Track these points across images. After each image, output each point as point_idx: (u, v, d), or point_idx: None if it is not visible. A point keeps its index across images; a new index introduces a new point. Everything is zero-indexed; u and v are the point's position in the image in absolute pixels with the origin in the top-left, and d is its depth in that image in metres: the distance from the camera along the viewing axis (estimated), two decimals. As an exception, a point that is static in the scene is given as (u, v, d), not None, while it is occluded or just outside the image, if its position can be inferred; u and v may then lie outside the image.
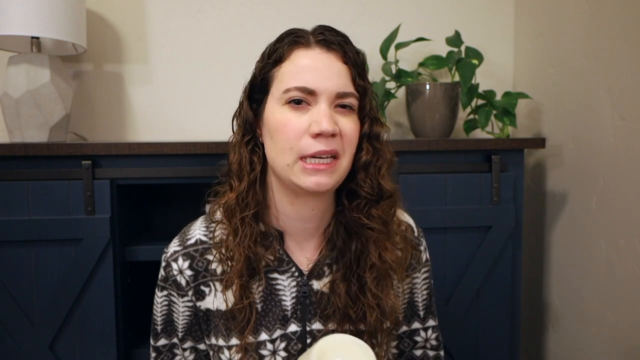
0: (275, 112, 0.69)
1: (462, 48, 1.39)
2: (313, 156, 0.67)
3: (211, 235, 0.76)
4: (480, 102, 1.41)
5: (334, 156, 0.68)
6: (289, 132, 0.67)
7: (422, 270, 0.86)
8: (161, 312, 0.79)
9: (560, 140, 1.36)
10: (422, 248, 0.85)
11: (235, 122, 0.76)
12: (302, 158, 0.67)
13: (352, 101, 0.70)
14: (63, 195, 1.09)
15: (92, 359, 1.12)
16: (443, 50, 1.43)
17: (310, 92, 0.67)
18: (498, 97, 1.38)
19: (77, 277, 1.10)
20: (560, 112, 1.37)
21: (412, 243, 0.82)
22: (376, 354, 0.74)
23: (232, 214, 0.73)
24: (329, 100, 0.68)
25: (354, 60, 0.71)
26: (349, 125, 0.69)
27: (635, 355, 1.11)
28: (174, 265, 0.76)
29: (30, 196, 1.09)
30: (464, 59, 1.35)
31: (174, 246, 0.78)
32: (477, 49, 1.38)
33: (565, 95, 1.34)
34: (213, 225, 0.76)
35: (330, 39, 0.70)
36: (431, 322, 0.88)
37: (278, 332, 0.75)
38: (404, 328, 0.86)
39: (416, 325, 0.86)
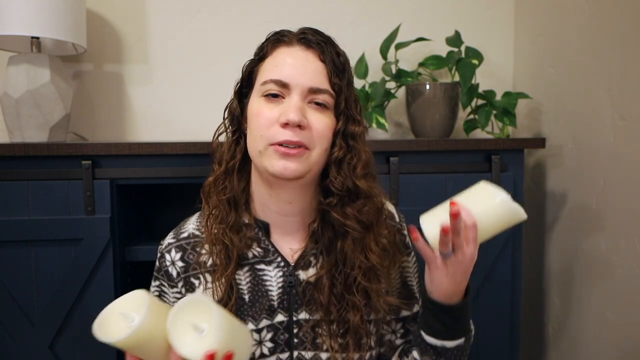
0: (253, 102, 0.75)
1: (462, 48, 1.39)
2: (280, 144, 0.70)
3: (203, 229, 0.80)
4: (480, 102, 1.41)
5: (303, 147, 0.71)
6: (261, 120, 0.72)
7: (412, 255, 0.88)
8: None
9: (560, 140, 1.36)
10: (405, 232, 0.88)
11: (225, 114, 0.81)
12: (272, 144, 0.71)
13: (326, 98, 0.73)
14: (63, 195, 1.10)
15: (92, 359, 1.12)
16: (443, 50, 1.43)
17: (284, 85, 0.71)
18: (498, 97, 1.38)
19: (77, 277, 1.10)
20: (560, 112, 1.37)
21: (395, 228, 0.85)
22: (364, 344, 0.77)
23: (210, 195, 0.78)
24: (302, 95, 0.71)
25: (332, 60, 0.74)
26: (320, 120, 0.72)
27: (635, 355, 1.11)
28: (167, 257, 0.80)
29: (30, 196, 1.09)
30: (464, 59, 1.35)
31: (168, 239, 0.82)
32: (477, 49, 1.38)
33: (565, 95, 1.34)
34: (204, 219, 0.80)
35: (310, 39, 0.74)
36: None
37: (264, 322, 0.77)
38: (406, 313, 0.87)
39: (416, 308, 0.88)
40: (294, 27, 0.78)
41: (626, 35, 1.11)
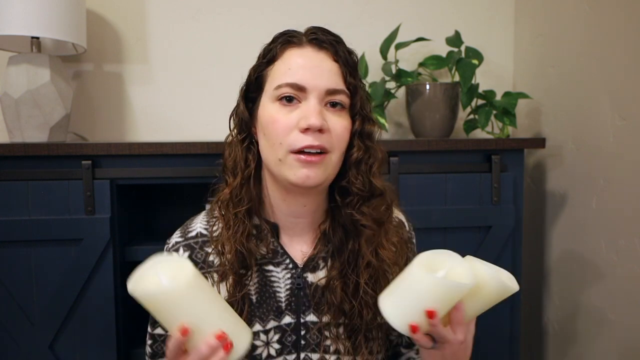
0: (266, 108, 0.72)
1: (462, 48, 1.39)
2: (301, 151, 0.69)
3: (211, 229, 0.78)
4: (480, 102, 1.41)
5: (324, 151, 0.70)
6: (278, 127, 0.70)
7: None
8: None
9: (560, 140, 1.36)
10: (414, 241, 0.87)
11: (231, 121, 0.79)
12: (293, 152, 0.69)
13: (343, 99, 0.72)
14: (63, 195, 1.10)
15: (92, 359, 1.12)
16: (443, 50, 1.43)
17: (301, 89, 0.70)
18: (498, 97, 1.38)
19: (77, 277, 1.10)
20: (560, 112, 1.37)
21: (405, 237, 0.84)
22: (371, 348, 0.77)
23: (226, 208, 0.76)
24: (319, 97, 0.70)
25: (345, 59, 0.73)
26: (339, 122, 0.71)
27: (636, 355, 1.11)
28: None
29: (30, 196, 1.09)
30: (464, 59, 1.35)
31: (175, 237, 0.80)
32: (477, 49, 1.38)
33: (565, 95, 1.34)
34: (213, 220, 0.79)
35: (322, 38, 0.72)
36: None
37: (272, 324, 0.76)
38: None
39: None
40: (295, 27, 0.76)
41: (626, 35, 1.11)
